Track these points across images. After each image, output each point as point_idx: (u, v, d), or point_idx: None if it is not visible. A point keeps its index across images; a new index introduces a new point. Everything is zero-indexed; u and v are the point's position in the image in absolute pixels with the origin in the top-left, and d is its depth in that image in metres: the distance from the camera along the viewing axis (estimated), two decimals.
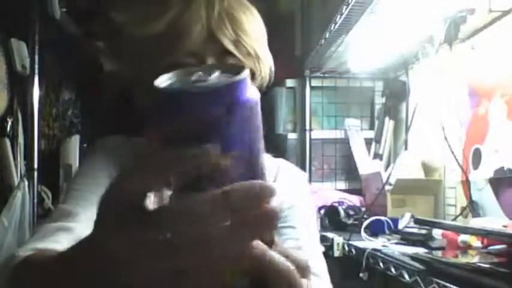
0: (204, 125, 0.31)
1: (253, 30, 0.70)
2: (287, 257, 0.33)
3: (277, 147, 2.17)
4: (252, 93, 0.34)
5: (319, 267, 0.76)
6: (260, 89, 0.75)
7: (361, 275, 1.28)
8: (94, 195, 0.66)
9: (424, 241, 1.22)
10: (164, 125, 0.32)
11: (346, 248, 1.43)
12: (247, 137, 0.33)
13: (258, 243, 0.31)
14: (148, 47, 0.69)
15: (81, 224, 0.63)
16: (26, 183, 1.79)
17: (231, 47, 0.67)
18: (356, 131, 2.09)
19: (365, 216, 1.57)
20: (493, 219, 1.17)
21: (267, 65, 0.74)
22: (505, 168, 1.25)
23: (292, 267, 0.32)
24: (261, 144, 0.34)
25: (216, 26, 0.66)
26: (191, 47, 0.66)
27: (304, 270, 0.34)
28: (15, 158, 1.88)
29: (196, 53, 0.67)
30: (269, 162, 0.85)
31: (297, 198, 0.83)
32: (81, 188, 0.70)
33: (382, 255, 1.18)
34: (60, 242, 0.58)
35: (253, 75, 0.73)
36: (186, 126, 0.31)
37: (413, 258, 1.03)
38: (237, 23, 0.67)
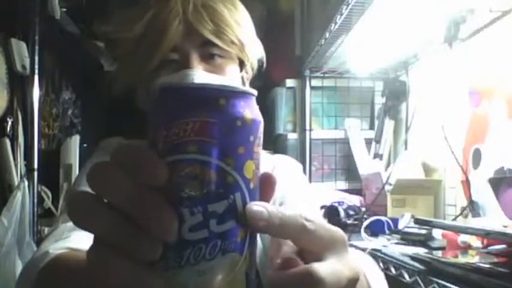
0: (188, 123, 0.29)
1: (235, 19, 0.70)
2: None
3: (277, 147, 2.17)
4: (255, 114, 0.32)
5: None
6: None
7: None
8: None
9: (424, 241, 1.22)
10: (155, 122, 0.31)
11: None
12: (227, 148, 0.30)
13: None
14: (136, 48, 0.70)
15: None
16: (26, 183, 1.79)
17: (211, 37, 0.68)
18: (356, 131, 2.09)
19: (365, 216, 1.57)
20: (493, 219, 1.17)
21: (254, 51, 0.74)
22: (505, 168, 1.25)
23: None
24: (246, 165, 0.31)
25: (194, 18, 0.67)
26: (173, 42, 0.68)
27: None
28: (15, 158, 1.88)
29: (179, 48, 0.69)
30: (265, 160, 0.85)
31: (294, 194, 0.83)
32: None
33: (382, 255, 1.18)
34: (78, 240, 0.58)
35: (241, 63, 0.74)
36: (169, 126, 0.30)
37: (413, 258, 1.03)
38: (216, 14, 0.68)
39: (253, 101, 0.32)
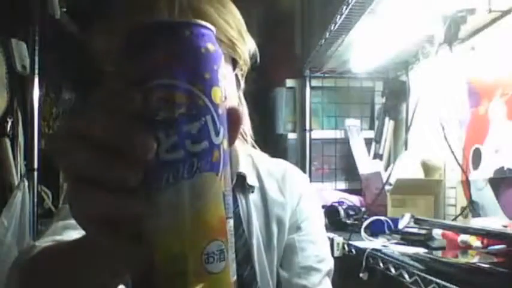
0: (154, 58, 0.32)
1: (224, 18, 0.70)
2: None
3: (277, 147, 2.17)
4: (216, 47, 0.34)
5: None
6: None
7: (361, 275, 1.28)
8: None
9: (424, 241, 1.22)
10: (127, 56, 0.33)
11: (346, 248, 1.43)
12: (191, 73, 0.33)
13: None
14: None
15: None
16: (26, 183, 1.79)
17: None
18: (356, 131, 2.09)
19: (365, 216, 1.57)
20: (493, 219, 1.17)
21: (245, 49, 0.74)
22: (505, 168, 1.25)
23: None
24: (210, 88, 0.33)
25: None
26: None
27: None
28: (15, 158, 1.88)
29: None
30: (274, 167, 0.86)
31: (310, 208, 0.85)
32: None
33: (382, 255, 1.18)
34: (70, 237, 0.59)
35: (234, 62, 0.73)
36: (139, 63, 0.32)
37: (413, 258, 1.03)
38: (203, 15, 0.67)
39: (214, 36, 0.35)
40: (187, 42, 0.33)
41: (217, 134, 0.33)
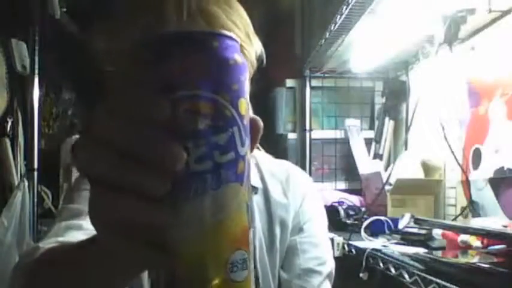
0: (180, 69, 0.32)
1: (232, 19, 0.69)
2: None
3: (277, 147, 2.17)
4: (243, 58, 0.35)
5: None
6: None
7: (361, 275, 1.28)
8: None
9: (424, 241, 1.22)
10: (155, 66, 0.32)
11: (346, 248, 1.43)
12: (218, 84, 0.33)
13: None
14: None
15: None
16: (26, 183, 1.79)
17: None
18: (356, 131, 2.09)
19: (365, 216, 1.57)
20: (493, 219, 1.17)
21: (252, 50, 0.73)
22: (505, 168, 1.25)
23: None
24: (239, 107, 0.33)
25: (189, 25, 0.66)
26: None
27: None
28: (15, 158, 1.89)
29: None
30: (277, 168, 0.86)
31: (313, 209, 0.85)
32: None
33: (382, 255, 1.18)
34: (74, 238, 0.59)
35: None
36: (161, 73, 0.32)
37: (413, 258, 1.03)
38: (211, 17, 0.67)
39: (239, 48, 0.35)
40: (216, 53, 0.33)
41: (242, 144, 0.33)
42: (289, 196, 0.83)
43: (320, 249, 0.83)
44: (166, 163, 0.30)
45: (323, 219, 0.89)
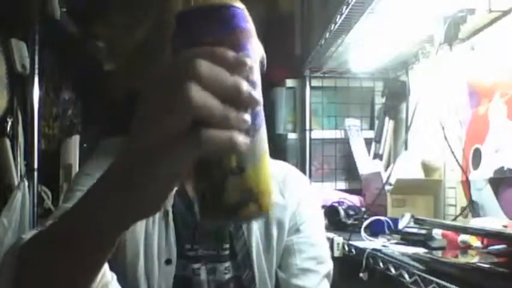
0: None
1: None
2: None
3: (277, 147, 2.17)
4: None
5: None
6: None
7: (361, 275, 1.28)
8: None
9: (424, 241, 1.22)
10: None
11: (346, 248, 1.43)
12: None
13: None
14: (137, 50, 0.69)
15: None
16: (26, 183, 1.79)
17: None
18: (356, 131, 2.09)
19: (365, 216, 1.57)
20: (493, 219, 1.17)
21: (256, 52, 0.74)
22: (505, 168, 1.25)
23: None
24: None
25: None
26: None
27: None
28: (15, 158, 1.88)
29: None
30: (275, 169, 0.86)
31: (310, 211, 0.85)
32: (85, 190, 0.72)
33: (382, 255, 1.18)
34: None
35: None
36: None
37: (413, 258, 1.03)
38: None
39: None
40: (236, 22, 0.40)
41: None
42: (286, 197, 0.84)
43: (317, 249, 0.83)
44: (254, 103, 0.38)
45: (320, 220, 0.89)
